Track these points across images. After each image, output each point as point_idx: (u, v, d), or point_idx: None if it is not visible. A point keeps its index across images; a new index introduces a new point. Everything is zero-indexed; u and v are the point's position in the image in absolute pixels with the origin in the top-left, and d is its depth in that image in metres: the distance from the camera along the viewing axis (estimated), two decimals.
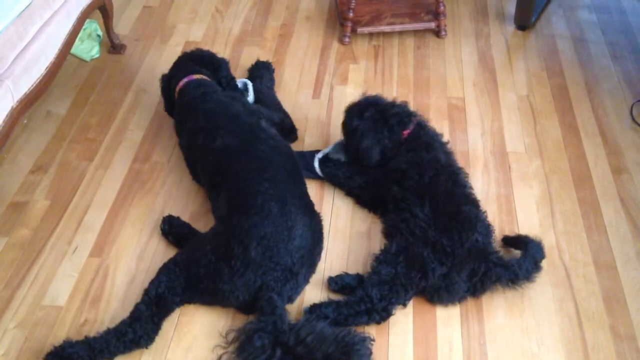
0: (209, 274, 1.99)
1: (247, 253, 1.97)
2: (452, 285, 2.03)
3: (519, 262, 2.05)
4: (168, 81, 2.59)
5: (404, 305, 2.06)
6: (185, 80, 2.50)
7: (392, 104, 2.44)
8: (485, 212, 2.22)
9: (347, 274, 2.14)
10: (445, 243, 2.06)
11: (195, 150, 2.34)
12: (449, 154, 2.38)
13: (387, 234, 2.26)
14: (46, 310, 2.08)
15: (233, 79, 2.67)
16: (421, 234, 2.10)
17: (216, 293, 2.01)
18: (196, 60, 2.61)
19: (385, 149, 2.37)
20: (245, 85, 2.76)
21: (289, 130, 2.61)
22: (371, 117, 2.39)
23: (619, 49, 3.16)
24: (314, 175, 2.47)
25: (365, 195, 2.39)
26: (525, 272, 2.05)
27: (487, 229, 2.15)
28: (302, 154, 2.51)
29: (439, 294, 2.05)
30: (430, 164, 2.28)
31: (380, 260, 2.08)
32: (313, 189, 2.41)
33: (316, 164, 2.46)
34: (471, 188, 2.29)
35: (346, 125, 2.46)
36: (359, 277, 2.12)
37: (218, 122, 2.29)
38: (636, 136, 2.68)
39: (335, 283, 2.12)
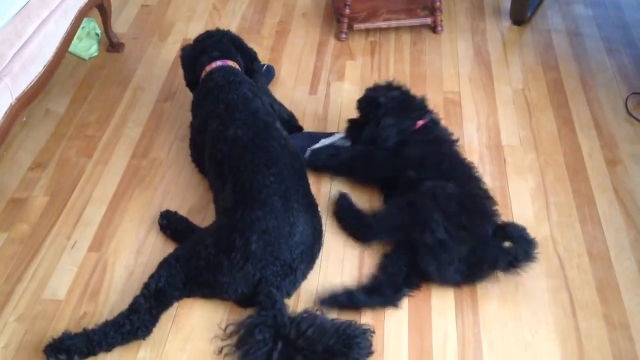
0: (209, 267, 2.01)
1: (248, 246, 1.98)
2: (444, 254, 2.03)
3: (515, 247, 2.05)
4: (200, 53, 2.53)
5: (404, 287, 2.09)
6: (219, 63, 2.47)
7: (415, 95, 2.49)
8: (498, 209, 2.22)
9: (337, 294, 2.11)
10: (463, 218, 2.07)
11: (206, 134, 2.34)
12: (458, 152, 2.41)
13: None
14: (46, 303, 2.11)
15: (261, 71, 2.70)
16: (443, 200, 2.11)
17: (215, 286, 2.02)
18: (235, 44, 2.60)
19: (400, 132, 2.39)
20: (267, 69, 2.87)
21: (294, 129, 2.64)
22: (397, 97, 2.43)
23: (614, 42, 3.18)
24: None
25: (358, 165, 2.41)
26: (524, 253, 2.04)
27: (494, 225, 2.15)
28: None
29: (426, 256, 2.05)
30: (446, 156, 2.31)
31: (391, 203, 2.20)
32: (310, 184, 2.42)
33: (307, 154, 2.48)
34: (485, 184, 2.29)
35: (368, 100, 2.46)
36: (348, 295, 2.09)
37: (235, 114, 2.28)
38: (631, 128, 2.70)
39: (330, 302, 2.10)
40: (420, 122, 2.40)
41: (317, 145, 2.54)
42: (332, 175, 2.51)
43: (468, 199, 2.15)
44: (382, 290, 2.07)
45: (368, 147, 2.40)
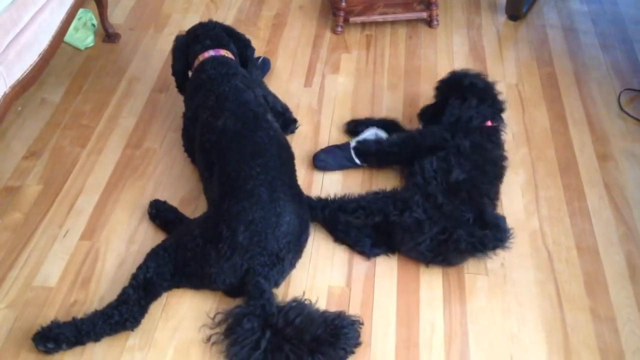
0: (197, 258, 2.02)
1: (235, 237, 1.99)
2: (419, 234, 2.07)
3: (486, 232, 2.07)
4: (192, 42, 2.52)
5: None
6: (211, 53, 2.46)
7: (499, 94, 2.47)
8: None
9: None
10: (439, 198, 2.12)
11: (197, 124, 2.35)
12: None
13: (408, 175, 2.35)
14: (37, 291, 2.12)
15: (256, 61, 2.73)
16: (425, 186, 2.17)
17: (203, 276, 2.04)
18: (227, 32, 2.59)
19: (471, 120, 2.37)
20: (263, 62, 2.91)
21: (289, 121, 2.65)
22: (481, 86, 2.42)
23: (609, 38, 3.19)
24: (353, 164, 2.50)
25: (408, 147, 2.40)
26: (494, 239, 2.06)
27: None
28: (337, 147, 2.54)
29: (404, 237, 2.11)
30: (488, 153, 2.31)
31: (375, 191, 2.27)
32: (301, 176, 2.43)
33: (353, 144, 2.49)
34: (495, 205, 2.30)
35: (453, 80, 2.47)
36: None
37: (225, 105, 2.29)
38: (623, 124, 2.71)
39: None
40: (489, 123, 2.39)
41: (360, 137, 2.55)
42: (375, 167, 2.52)
43: (464, 187, 2.17)
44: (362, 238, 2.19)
45: (419, 130, 2.44)
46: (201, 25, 2.59)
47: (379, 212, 2.17)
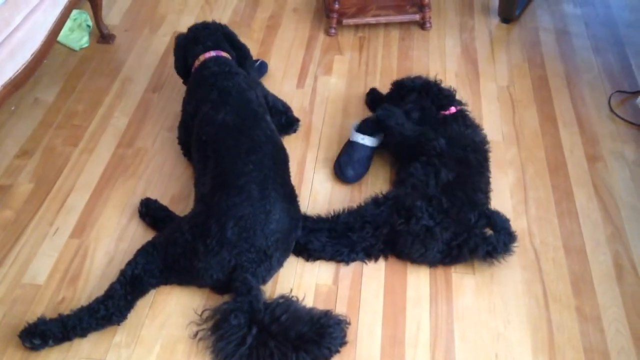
0: (185, 253, 2.03)
1: (224, 232, 2.01)
2: (430, 240, 2.09)
3: (496, 236, 2.11)
4: (192, 43, 2.56)
5: (373, 256, 2.19)
6: (213, 54, 2.51)
7: (440, 88, 2.57)
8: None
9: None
10: (444, 200, 2.12)
11: (196, 117, 2.36)
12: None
13: (398, 181, 2.36)
14: (25, 288, 2.13)
15: (254, 63, 2.80)
16: (423, 188, 2.18)
17: (191, 271, 2.05)
18: (229, 39, 2.64)
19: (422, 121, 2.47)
20: (260, 65, 2.97)
21: (291, 120, 2.68)
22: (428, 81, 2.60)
23: (602, 41, 3.19)
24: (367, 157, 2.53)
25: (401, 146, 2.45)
26: (503, 244, 2.11)
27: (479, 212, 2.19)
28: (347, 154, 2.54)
29: (414, 244, 2.11)
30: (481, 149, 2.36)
31: (373, 199, 2.23)
32: (293, 173, 2.44)
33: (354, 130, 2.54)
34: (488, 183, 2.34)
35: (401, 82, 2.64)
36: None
37: (228, 100, 2.31)
38: (613, 125, 2.72)
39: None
40: (454, 109, 2.48)
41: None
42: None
43: (457, 186, 2.18)
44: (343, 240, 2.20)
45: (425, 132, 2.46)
46: (203, 26, 2.62)
47: (385, 224, 2.16)
